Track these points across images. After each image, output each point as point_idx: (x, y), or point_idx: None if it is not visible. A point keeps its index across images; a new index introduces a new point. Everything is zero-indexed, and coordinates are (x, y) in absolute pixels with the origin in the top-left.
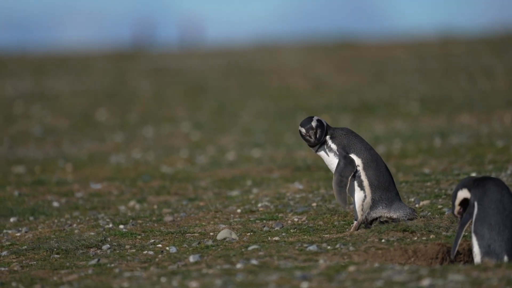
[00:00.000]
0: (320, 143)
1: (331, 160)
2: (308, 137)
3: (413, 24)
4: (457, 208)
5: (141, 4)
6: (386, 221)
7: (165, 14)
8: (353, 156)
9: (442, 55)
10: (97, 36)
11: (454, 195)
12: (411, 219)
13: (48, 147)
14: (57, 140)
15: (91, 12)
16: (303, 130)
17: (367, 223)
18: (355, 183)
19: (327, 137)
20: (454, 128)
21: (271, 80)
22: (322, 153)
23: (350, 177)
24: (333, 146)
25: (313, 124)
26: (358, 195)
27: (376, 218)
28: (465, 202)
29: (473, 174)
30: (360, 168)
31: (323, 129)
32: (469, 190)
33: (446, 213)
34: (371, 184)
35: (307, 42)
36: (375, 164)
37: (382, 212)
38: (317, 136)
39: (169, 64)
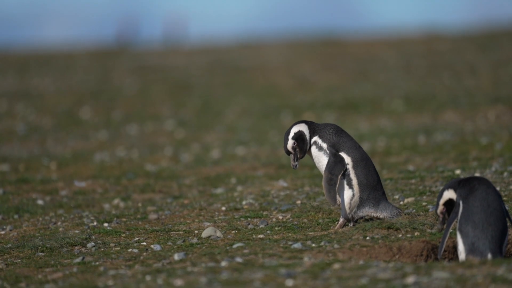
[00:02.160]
0: (309, 149)
1: (320, 158)
2: (294, 156)
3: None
4: (440, 207)
5: (125, 2)
6: (371, 219)
7: (149, 12)
8: (343, 154)
9: (427, 53)
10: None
11: (440, 195)
12: None
13: (32, 145)
14: (41, 138)
15: (75, 10)
16: (286, 153)
17: (353, 222)
18: (344, 181)
19: (316, 137)
20: (438, 125)
21: (256, 77)
22: (312, 152)
23: (340, 175)
24: (323, 145)
25: (289, 145)
26: (347, 193)
27: (362, 217)
28: (450, 203)
29: (458, 171)
30: (349, 167)
31: (304, 139)
32: (455, 190)
33: (430, 210)
34: (360, 183)
35: (292, 40)
36: (364, 162)
37: (368, 211)
38: (299, 154)
39: (153, 62)
